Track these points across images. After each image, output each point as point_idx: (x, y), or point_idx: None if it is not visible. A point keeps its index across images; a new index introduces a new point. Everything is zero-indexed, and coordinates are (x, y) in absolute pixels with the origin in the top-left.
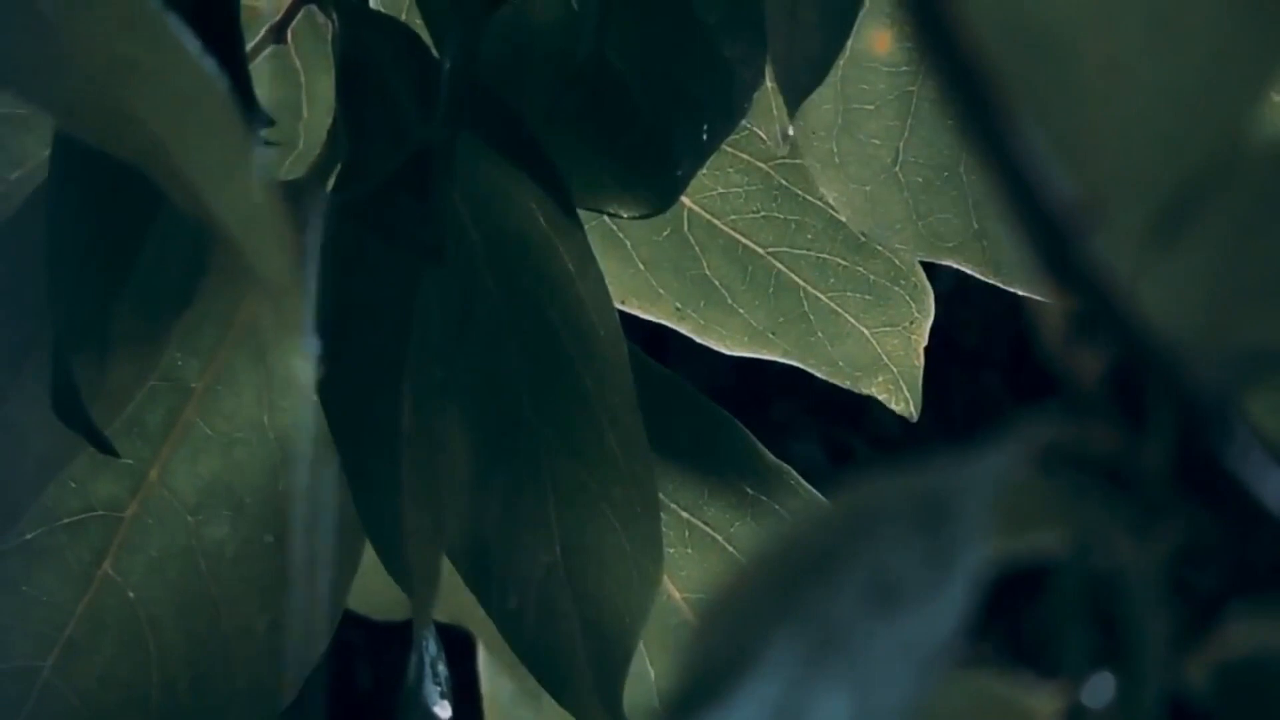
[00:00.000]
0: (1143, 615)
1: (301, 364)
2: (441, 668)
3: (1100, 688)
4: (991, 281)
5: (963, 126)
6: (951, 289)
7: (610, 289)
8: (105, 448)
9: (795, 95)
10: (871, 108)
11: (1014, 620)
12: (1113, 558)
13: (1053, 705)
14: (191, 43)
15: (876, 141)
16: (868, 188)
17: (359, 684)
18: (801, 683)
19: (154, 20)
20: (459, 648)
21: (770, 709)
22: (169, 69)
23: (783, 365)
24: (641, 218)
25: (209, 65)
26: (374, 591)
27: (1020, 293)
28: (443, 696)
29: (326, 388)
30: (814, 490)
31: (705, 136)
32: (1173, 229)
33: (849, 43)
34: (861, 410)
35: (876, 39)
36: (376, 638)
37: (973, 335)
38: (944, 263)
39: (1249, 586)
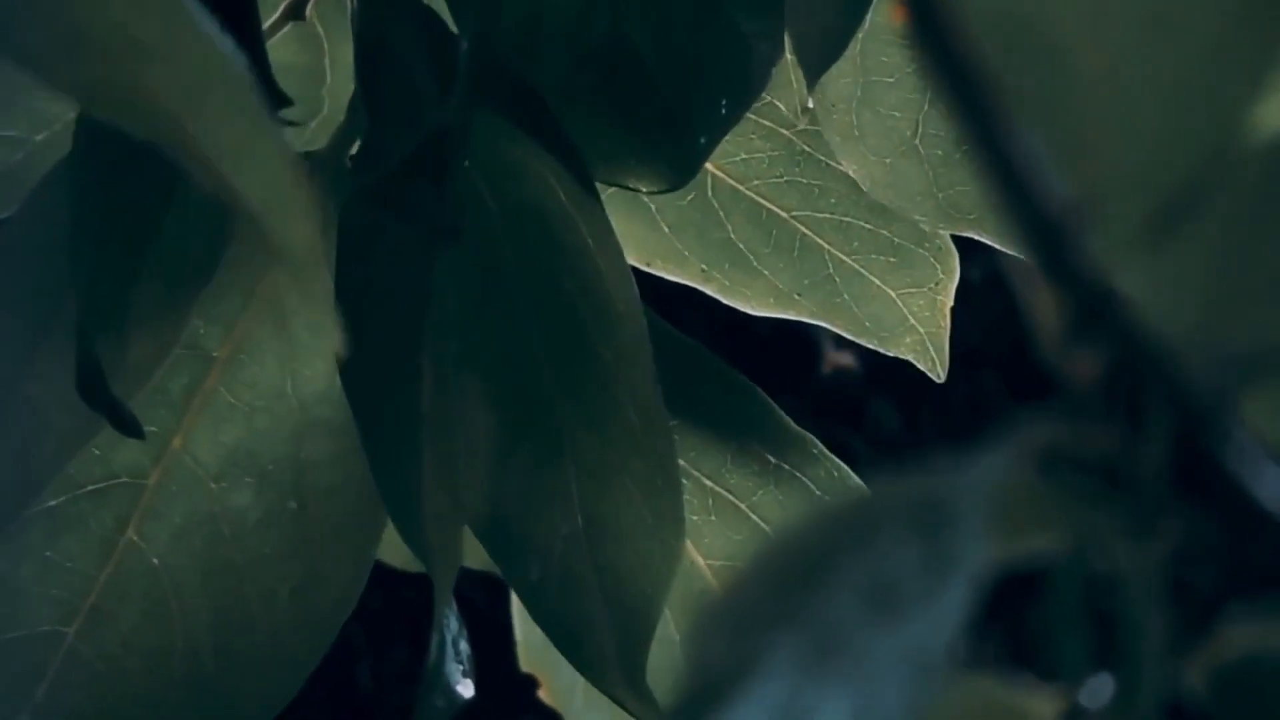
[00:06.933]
0: (1141, 616)
1: (324, 333)
2: (464, 645)
3: (1099, 689)
4: (1009, 252)
5: (960, 127)
6: None
7: (636, 251)
8: (130, 430)
9: (814, 68)
10: (891, 80)
11: (1013, 623)
12: (1111, 559)
13: (1052, 707)
14: (208, 22)
15: (896, 114)
16: (888, 160)
17: (359, 684)
18: (802, 687)
19: (169, 1)
20: (495, 592)
21: (771, 714)
22: (185, 48)
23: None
24: (661, 192)
25: (226, 43)
26: (402, 545)
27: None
28: (465, 675)
29: (346, 367)
30: (836, 459)
31: (723, 110)
32: (1169, 228)
33: (868, 15)
34: (861, 410)
35: (895, 11)
36: (377, 637)
37: (973, 335)
38: (964, 234)
39: (1247, 587)
